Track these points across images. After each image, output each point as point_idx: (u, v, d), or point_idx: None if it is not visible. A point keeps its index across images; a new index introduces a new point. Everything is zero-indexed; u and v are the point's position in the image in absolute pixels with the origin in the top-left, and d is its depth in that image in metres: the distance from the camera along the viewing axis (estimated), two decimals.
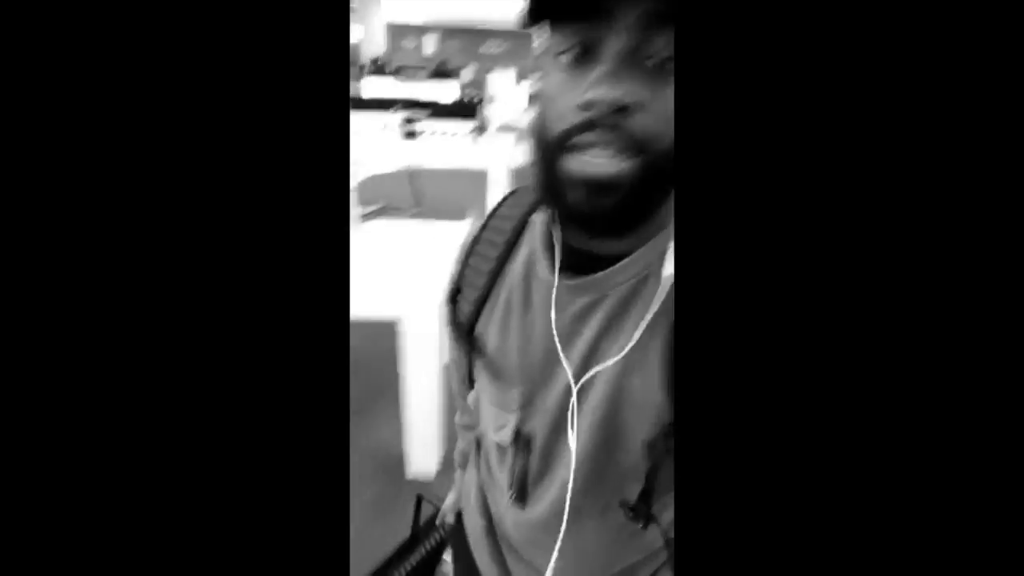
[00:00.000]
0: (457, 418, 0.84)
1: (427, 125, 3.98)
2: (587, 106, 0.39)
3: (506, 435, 0.57)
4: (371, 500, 1.39)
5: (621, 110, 0.38)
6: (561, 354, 0.51)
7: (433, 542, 1.38)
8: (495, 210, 0.63)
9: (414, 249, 1.97)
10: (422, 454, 1.77)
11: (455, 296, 0.62)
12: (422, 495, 1.35)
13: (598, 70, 0.38)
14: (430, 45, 12.56)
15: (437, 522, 1.44)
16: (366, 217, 2.36)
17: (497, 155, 3.87)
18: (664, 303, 0.46)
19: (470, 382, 0.66)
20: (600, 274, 0.48)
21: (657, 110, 0.39)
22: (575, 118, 0.40)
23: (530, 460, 0.55)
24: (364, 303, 1.57)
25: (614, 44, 0.38)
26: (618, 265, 0.48)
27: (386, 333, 2.59)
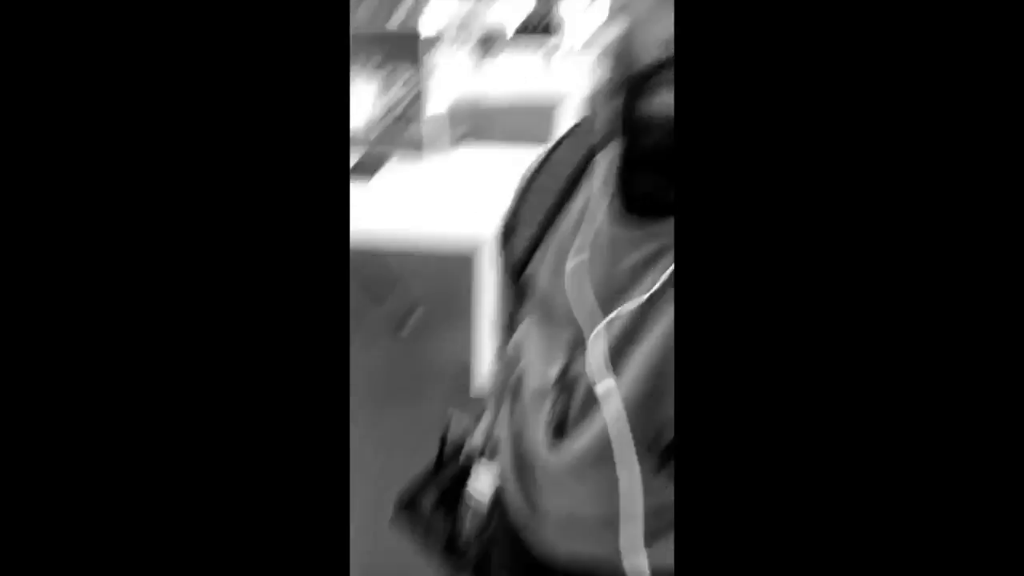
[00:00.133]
0: (494, 356, 0.85)
1: (496, 48, 3.87)
2: None
3: (550, 377, 0.57)
4: (439, 410, 1.52)
5: None
6: (612, 304, 0.50)
7: (458, 470, 1.46)
8: (558, 144, 0.60)
9: (489, 177, 1.98)
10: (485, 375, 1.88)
11: (508, 235, 0.60)
12: (448, 426, 1.43)
13: None
14: None
15: (464, 452, 1.52)
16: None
17: (568, 82, 3.73)
18: None
19: (513, 324, 0.65)
20: (664, 223, 0.46)
21: None
22: (664, 52, 0.37)
23: (571, 403, 0.55)
24: (439, 229, 1.62)
25: None
26: None
27: (462, 261, 2.68)
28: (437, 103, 2.23)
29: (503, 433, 0.72)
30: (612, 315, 0.50)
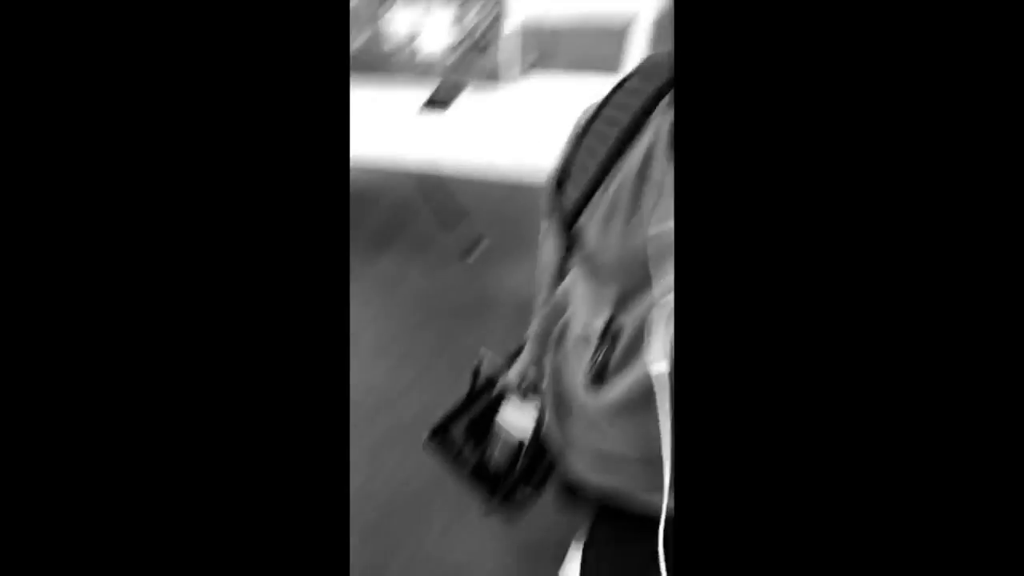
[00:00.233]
0: (540, 300, 0.86)
1: None
2: None
3: (595, 329, 0.58)
4: (501, 338, 1.63)
5: None
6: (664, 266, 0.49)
7: (490, 401, 1.55)
8: (621, 84, 0.56)
9: (558, 108, 1.97)
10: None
11: (562, 181, 0.58)
12: (480, 363, 1.51)
13: None
14: None
15: (496, 387, 1.60)
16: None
17: (641, 9, 3.53)
18: None
19: (562, 271, 0.64)
20: None
21: None
22: None
23: (613, 353, 0.57)
24: (508, 159, 1.64)
25: None
26: None
27: (526, 187, 2.71)
28: (511, 31, 2.20)
29: (546, 372, 0.75)
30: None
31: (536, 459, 1.39)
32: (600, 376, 0.59)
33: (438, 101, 2.05)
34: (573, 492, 0.92)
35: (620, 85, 0.56)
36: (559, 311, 0.78)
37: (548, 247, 0.69)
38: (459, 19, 2.11)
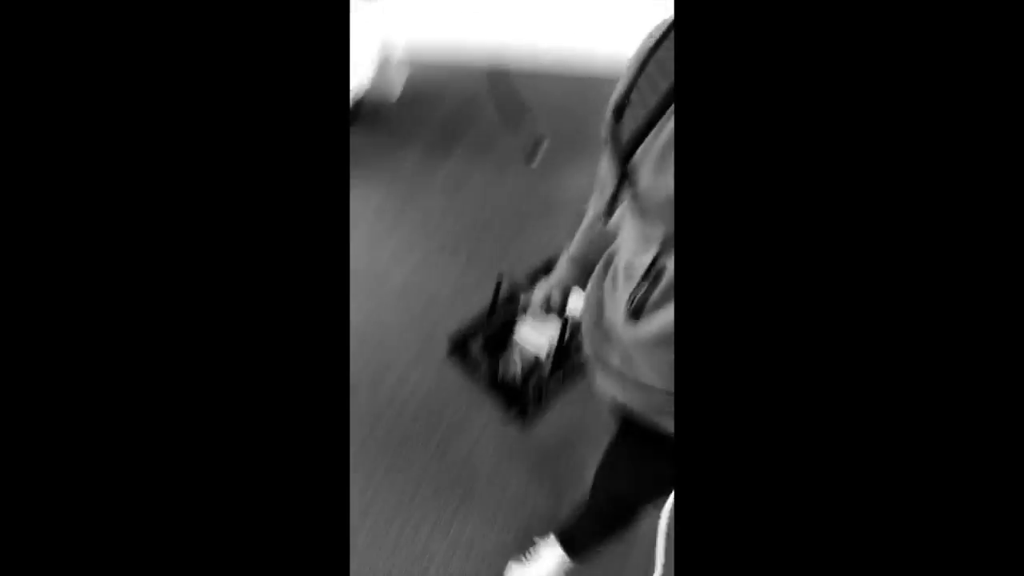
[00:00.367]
0: (585, 222, 0.87)
1: None
2: None
3: (639, 266, 0.60)
4: (564, 240, 1.72)
5: None
6: None
7: (509, 315, 1.63)
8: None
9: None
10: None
11: (621, 109, 0.55)
12: (500, 280, 1.57)
13: None
14: None
15: (516, 305, 1.62)
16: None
17: None
18: None
19: (614, 202, 0.64)
20: None
21: None
22: None
23: (653, 291, 0.59)
24: (573, 49, 1.57)
25: None
26: None
27: (593, 86, 2.65)
28: None
29: (588, 299, 0.78)
30: None
31: (552, 374, 1.51)
32: (638, 312, 0.61)
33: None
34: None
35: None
36: (606, 239, 0.80)
37: (605, 171, 0.67)
38: None
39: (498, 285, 1.57)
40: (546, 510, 1.44)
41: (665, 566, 1.34)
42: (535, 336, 1.59)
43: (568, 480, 1.50)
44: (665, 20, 0.53)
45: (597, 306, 0.75)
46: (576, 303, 1.39)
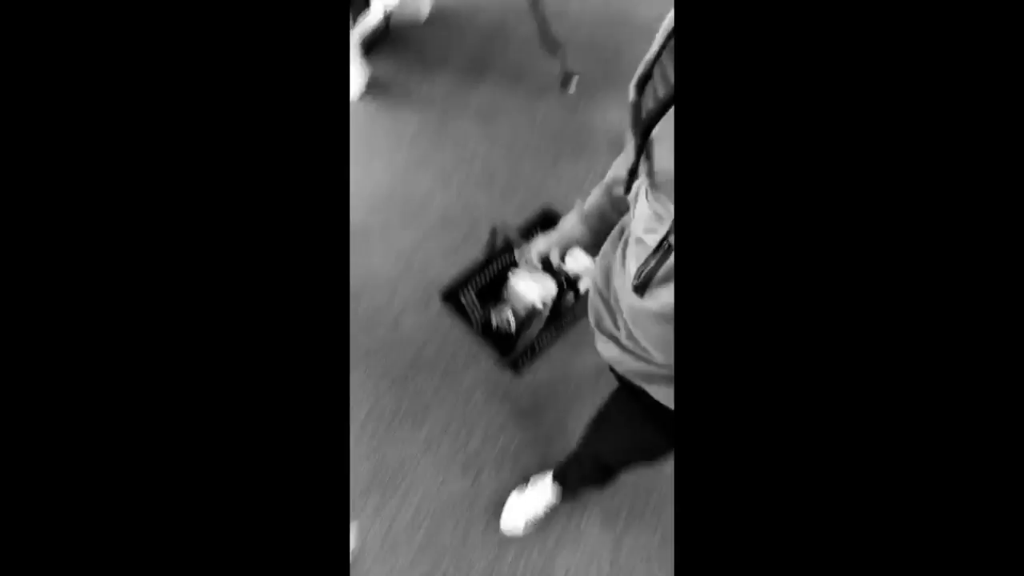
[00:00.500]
0: (603, 184, 0.87)
1: None
2: None
3: (651, 240, 0.60)
4: (600, 171, 1.78)
5: None
6: None
7: (502, 265, 1.65)
8: None
9: None
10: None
11: (643, 83, 0.54)
12: (494, 233, 1.58)
13: None
14: None
15: (508, 256, 1.63)
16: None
17: None
18: None
19: (634, 173, 0.62)
20: None
21: None
22: None
23: (661, 266, 0.60)
24: None
25: None
26: None
27: (621, 20, 2.60)
28: None
29: (599, 265, 0.79)
30: None
31: (544, 329, 1.55)
32: (644, 286, 0.63)
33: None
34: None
35: None
36: (621, 205, 0.81)
37: (628, 141, 0.67)
38: None
39: (493, 235, 1.60)
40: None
41: None
42: (529, 289, 1.64)
43: (557, 428, 1.64)
44: None
45: (605, 275, 0.77)
46: (573, 262, 1.49)
